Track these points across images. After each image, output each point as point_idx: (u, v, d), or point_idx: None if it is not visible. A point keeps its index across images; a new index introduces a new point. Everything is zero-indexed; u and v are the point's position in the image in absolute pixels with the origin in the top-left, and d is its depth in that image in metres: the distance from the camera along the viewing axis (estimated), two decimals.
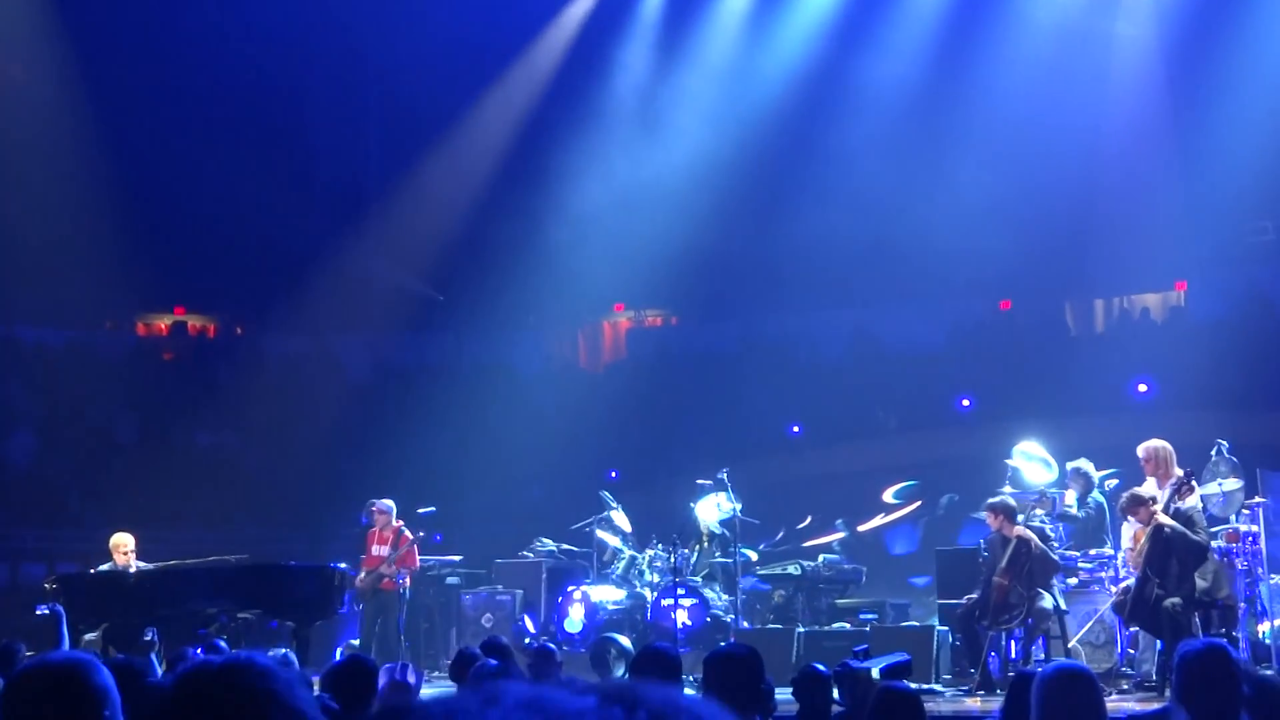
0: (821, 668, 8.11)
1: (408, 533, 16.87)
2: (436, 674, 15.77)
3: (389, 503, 17.01)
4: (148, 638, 12.81)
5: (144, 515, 18.35)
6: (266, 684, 2.20)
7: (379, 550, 16.77)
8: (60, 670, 3.57)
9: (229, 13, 24.21)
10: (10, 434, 24.75)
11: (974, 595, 13.80)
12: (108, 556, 15.51)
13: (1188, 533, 12.57)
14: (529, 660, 10.91)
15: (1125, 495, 13.11)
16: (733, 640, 14.23)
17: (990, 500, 14.15)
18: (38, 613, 13.70)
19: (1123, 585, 13.16)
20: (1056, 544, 14.02)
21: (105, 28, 24.38)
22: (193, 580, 14.74)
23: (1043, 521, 14.11)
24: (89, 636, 14.23)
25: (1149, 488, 13.31)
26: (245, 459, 25.10)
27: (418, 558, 17.18)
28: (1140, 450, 13.69)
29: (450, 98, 25.99)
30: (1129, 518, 13.03)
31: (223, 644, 11.38)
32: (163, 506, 21.71)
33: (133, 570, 15.12)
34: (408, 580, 16.70)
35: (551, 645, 11.84)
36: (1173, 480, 13.00)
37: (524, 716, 1.26)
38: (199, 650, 9.83)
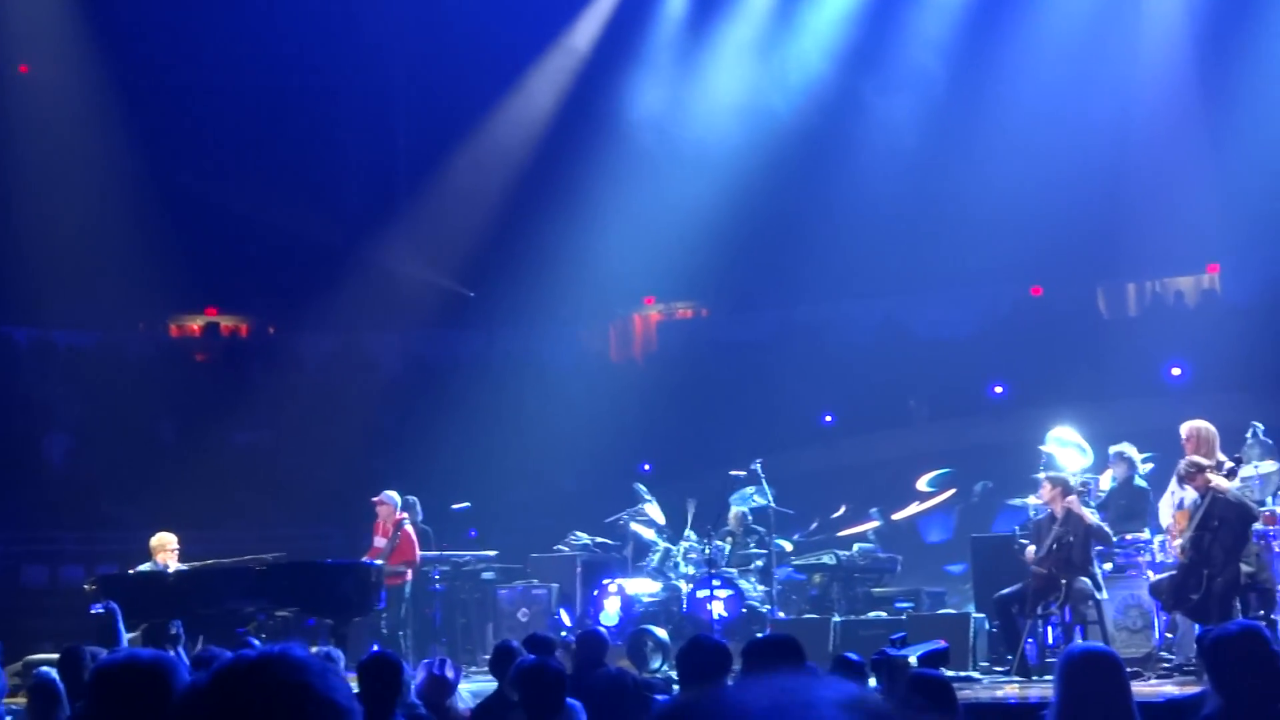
0: (855, 657, 8.10)
1: (408, 527, 16.84)
2: (474, 669, 15.80)
3: (391, 494, 16.98)
4: (173, 631, 12.89)
5: (181, 515, 18.43)
6: (301, 677, 2.22)
7: (379, 542, 16.78)
8: (148, 668, 3.81)
9: (257, 16, 24.27)
10: (47, 436, 24.90)
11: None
12: (146, 557, 15.60)
13: (1245, 500, 12.45)
14: (576, 645, 10.90)
15: (1185, 461, 12.85)
16: (769, 630, 14.24)
17: (1049, 474, 13.92)
18: (92, 612, 13.77)
19: (1166, 574, 12.98)
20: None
21: (136, 31, 24.49)
22: (230, 579, 14.84)
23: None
24: (129, 636, 14.30)
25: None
26: (280, 458, 25.19)
27: (417, 551, 17.01)
28: (1183, 430, 13.51)
29: (478, 94, 26.04)
30: (1187, 485, 12.80)
31: (256, 642, 11.41)
32: (200, 506, 21.76)
33: (171, 570, 15.22)
34: (409, 574, 16.67)
35: (601, 629, 11.88)
36: (1214, 464, 12.86)
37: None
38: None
